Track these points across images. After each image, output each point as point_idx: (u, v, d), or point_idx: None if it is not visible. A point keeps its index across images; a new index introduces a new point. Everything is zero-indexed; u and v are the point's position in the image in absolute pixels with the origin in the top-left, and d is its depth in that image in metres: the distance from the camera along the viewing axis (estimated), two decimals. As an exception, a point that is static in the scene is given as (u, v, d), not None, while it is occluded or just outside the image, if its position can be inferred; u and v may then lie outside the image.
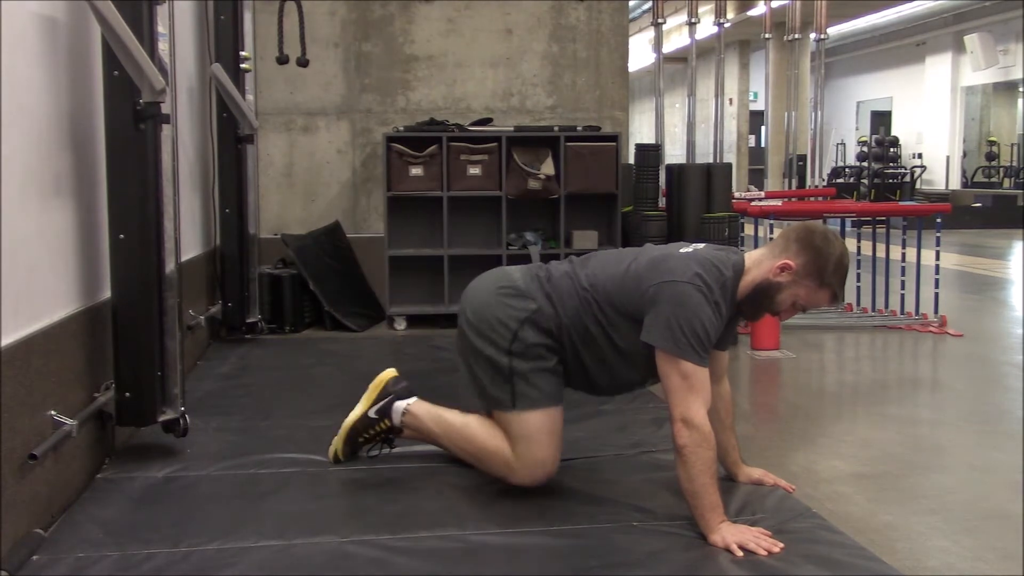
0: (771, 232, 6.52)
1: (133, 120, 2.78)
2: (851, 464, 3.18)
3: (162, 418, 2.93)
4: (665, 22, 7.69)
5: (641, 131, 21.61)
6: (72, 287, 2.73)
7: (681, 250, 2.53)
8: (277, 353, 4.78)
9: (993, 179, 17.76)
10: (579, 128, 5.70)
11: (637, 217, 5.60)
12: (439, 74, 6.06)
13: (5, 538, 2.16)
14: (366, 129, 6.04)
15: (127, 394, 2.87)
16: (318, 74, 5.88)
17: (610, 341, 2.55)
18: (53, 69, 2.62)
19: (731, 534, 2.28)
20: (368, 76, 6.02)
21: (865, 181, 16.56)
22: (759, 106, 17.03)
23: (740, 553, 2.23)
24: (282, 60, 4.96)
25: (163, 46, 2.90)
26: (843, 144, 21.47)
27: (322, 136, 6.02)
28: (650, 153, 5.82)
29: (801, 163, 10.50)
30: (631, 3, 10.61)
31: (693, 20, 7.74)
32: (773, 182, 11.15)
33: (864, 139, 20.06)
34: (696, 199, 5.43)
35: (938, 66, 18.55)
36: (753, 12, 14.45)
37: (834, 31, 14.83)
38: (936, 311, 5.73)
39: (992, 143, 17.97)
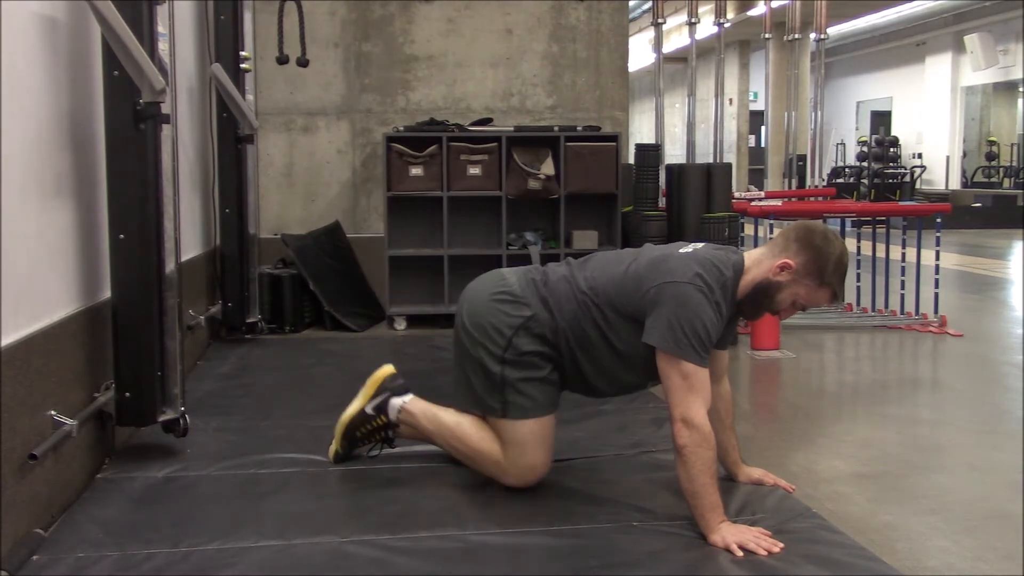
0: (771, 232, 6.52)
1: (133, 120, 2.78)
2: (851, 464, 3.18)
3: (162, 418, 2.93)
4: (665, 22, 7.70)
5: (641, 131, 21.62)
6: (72, 287, 2.73)
7: (681, 250, 2.53)
8: (277, 353, 4.78)
9: (993, 179, 17.76)
10: (579, 128, 5.70)
11: (637, 217, 5.60)
12: (439, 74, 6.06)
13: (5, 538, 2.16)
14: (366, 129, 6.04)
15: (127, 394, 2.87)
16: (318, 74, 5.88)
17: (609, 344, 2.55)
18: (53, 69, 2.62)
19: (731, 534, 2.28)
20: (368, 76, 6.02)
21: (865, 181, 16.57)
22: (759, 106, 17.02)
23: (740, 553, 2.23)
24: (282, 60, 4.96)
25: (163, 46, 2.90)
26: (843, 144, 21.47)
27: (322, 136, 6.02)
28: (650, 153, 5.82)
29: (801, 163, 10.51)
30: (631, 3, 10.61)
31: (693, 20, 7.75)
32: (773, 182, 11.15)
33: (864, 139, 20.06)
34: (696, 199, 5.43)
35: (938, 66, 18.55)
36: (753, 12, 14.45)
37: (834, 31, 14.83)
38: (936, 311, 5.73)
39: (992, 143, 17.97)
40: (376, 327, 5.57)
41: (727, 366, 2.75)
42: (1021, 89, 17.75)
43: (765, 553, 2.23)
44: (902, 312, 5.89)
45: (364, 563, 2.22)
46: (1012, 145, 17.91)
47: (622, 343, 2.53)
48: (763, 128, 15.47)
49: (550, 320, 2.58)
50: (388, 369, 2.89)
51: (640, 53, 17.05)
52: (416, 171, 5.47)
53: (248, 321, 4.95)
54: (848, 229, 6.29)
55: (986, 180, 17.69)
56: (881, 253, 6.14)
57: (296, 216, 6.00)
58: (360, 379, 2.90)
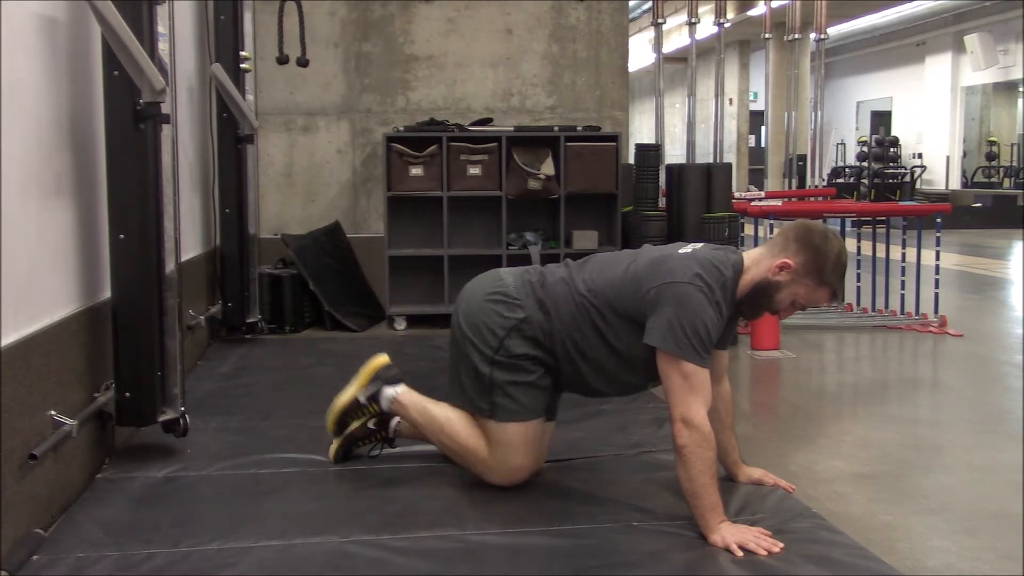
0: (771, 232, 6.52)
1: (133, 120, 2.78)
2: (851, 464, 3.18)
3: (162, 418, 2.93)
4: (665, 22, 7.69)
5: (641, 131, 21.61)
6: (72, 287, 2.73)
7: (680, 251, 2.53)
8: (277, 353, 4.78)
9: (993, 179, 17.76)
10: (579, 128, 5.70)
11: (637, 217, 5.60)
12: (439, 74, 6.06)
13: (5, 538, 2.16)
14: (366, 129, 6.04)
15: (127, 394, 2.87)
16: (318, 74, 5.88)
17: (609, 345, 2.55)
18: (53, 69, 2.62)
19: (731, 534, 2.28)
20: (368, 76, 6.02)
21: (865, 181, 16.56)
22: (759, 106, 17.02)
23: (740, 553, 2.23)
24: (282, 60, 4.96)
25: (163, 46, 2.90)
26: (843, 144, 21.47)
27: (322, 136, 6.02)
28: (650, 153, 5.82)
29: (801, 163, 10.50)
30: (631, 3, 10.61)
31: (693, 20, 7.74)
32: (773, 182, 11.15)
33: (864, 139, 20.06)
34: (696, 199, 5.43)
35: (938, 66, 18.55)
36: (753, 12, 14.45)
37: (834, 31, 14.82)
38: (936, 311, 5.73)
39: (992, 143, 17.96)
40: (376, 327, 5.57)
41: (727, 366, 2.75)
42: (1021, 89, 17.75)
43: (765, 553, 2.23)
44: (902, 312, 5.89)
45: (364, 563, 2.22)
46: (1012, 145, 17.90)
47: (621, 344, 2.53)
48: (763, 128, 15.47)
49: (545, 322, 2.57)
50: (383, 359, 2.90)
51: (640, 53, 17.05)
52: (416, 171, 5.47)
53: (248, 321, 4.95)
54: (848, 229, 6.29)
55: (986, 180, 17.69)
56: (881, 253, 6.14)
57: (296, 216, 6.00)
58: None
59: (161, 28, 2.88)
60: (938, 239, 5.84)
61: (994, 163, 17.91)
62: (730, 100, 17.91)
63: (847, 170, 18.09)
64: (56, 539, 2.34)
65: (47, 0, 2.59)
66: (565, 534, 2.39)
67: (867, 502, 2.81)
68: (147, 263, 2.87)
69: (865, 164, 18.03)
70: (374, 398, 2.84)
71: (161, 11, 2.87)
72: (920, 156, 18.70)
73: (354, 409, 2.86)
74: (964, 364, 4.93)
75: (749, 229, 7.39)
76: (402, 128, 5.66)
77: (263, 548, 2.29)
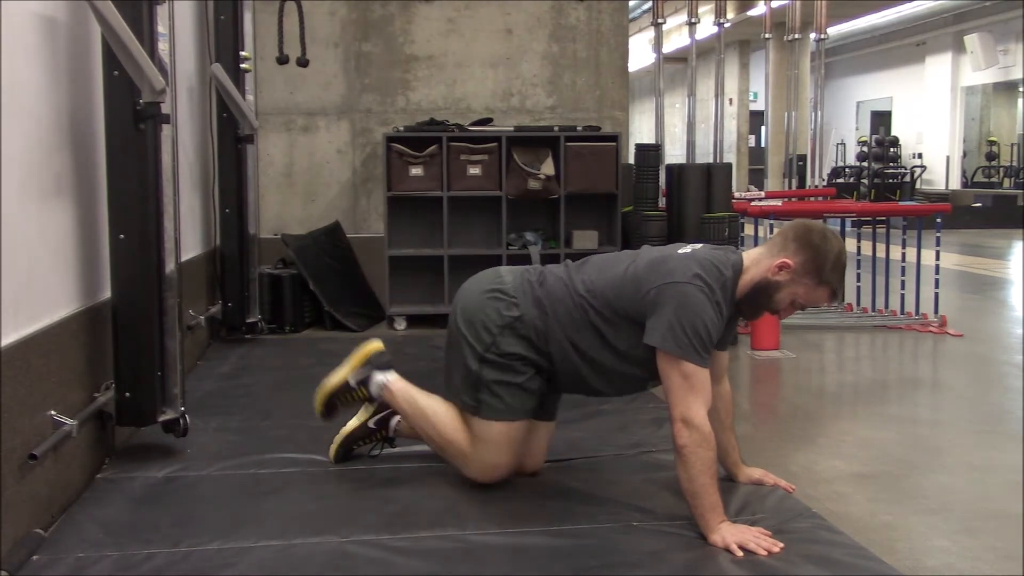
0: (771, 232, 6.52)
1: (133, 120, 2.78)
2: (851, 464, 3.18)
3: (162, 418, 2.93)
4: (665, 22, 7.69)
5: (641, 131, 21.61)
6: (72, 287, 2.73)
7: (679, 251, 2.53)
8: (277, 353, 4.78)
9: (993, 179, 17.76)
10: (579, 128, 5.70)
11: (637, 217, 5.60)
12: (439, 74, 6.06)
13: (5, 538, 2.16)
14: (366, 129, 6.04)
15: (127, 394, 2.87)
16: (318, 74, 5.88)
17: (608, 345, 2.54)
18: (53, 69, 2.62)
19: (731, 534, 2.28)
20: (368, 76, 6.02)
21: (865, 181, 16.56)
22: (759, 106, 17.02)
23: (740, 553, 2.23)
24: (282, 60, 4.96)
25: (163, 46, 2.90)
26: (843, 144, 21.47)
27: (322, 136, 6.03)
28: (650, 153, 5.82)
29: (801, 163, 10.50)
30: (631, 3, 10.61)
31: (693, 20, 7.74)
32: (773, 182, 11.15)
33: (864, 139, 20.05)
34: (696, 199, 5.43)
35: (938, 66, 18.54)
36: (753, 12, 14.45)
37: (834, 31, 14.82)
38: (936, 311, 5.73)
39: (992, 143, 17.96)
40: (376, 327, 5.57)
41: (727, 366, 2.75)
42: (1021, 89, 17.75)
43: (765, 553, 2.23)
44: (902, 312, 5.89)
45: (364, 563, 2.22)
46: (1012, 145, 17.90)
47: (621, 344, 2.53)
48: (763, 128, 15.47)
49: (541, 322, 2.57)
50: (377, 344, 2.92)
51: (640, 53, 17.05)
52: (416, 171, 5.47)
53: (248, 321, 4.95)
54: (848, 229, 6.29)
55: (986, 180, 17.68)
56: (881, 253, 6.14)
57: (296, 216, 6.00)
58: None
59: (161, 28, 2.88)
60: (938, 239, 5.84)
61: (994, 163, 17.91)
62: (730, 100, 17.91)
63: (847, 170, 18.08)
64: (56, 539, 2.34)
65: (47, 0, 2.59)
66: (565, 534, 2.39)
67: (867, 502, 2.81)
68: (147, 263, 2.87)
69: (865, 164, 18.03)
70: (364, 383, 2.85)
71: (161, 11, 2.87)
72: (920, 156, 18.70)
73: (343, 391, 2.86)
74: (964, 364, 4.93)
75: (749, 229, 7.39)
76: (402, 128, 5.66)
77: (263, 548, 2.29)
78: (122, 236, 2.83)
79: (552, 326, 2.57)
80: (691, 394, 2.34)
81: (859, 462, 3.21)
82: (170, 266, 2.94)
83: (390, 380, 2.83)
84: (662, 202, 5.76)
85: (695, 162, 6.37)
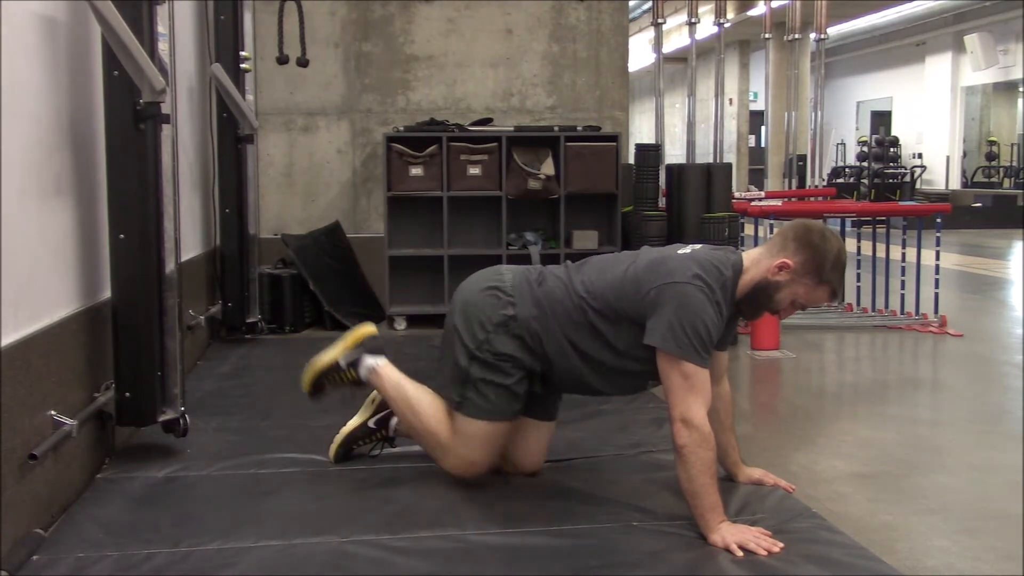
0: (771, 232, 6.52)
1: (133, 120, 2.78)
2: (851, 464, 3.18)
3: (162, 418, 2.93)
4: (665, 22, 7.69)
5: (641, 131, 21.61)
6: (72, 287, 2.73)
7: (679, 251, 2.53)
8: (277, 353, 4.77)
9: (993, 179, 17.76)
10: (579, 128, 5.70)
11: (637, 217, 5.60)
12: (439, 74, 6.06)
13: (5, 538, 2.16)
14: (366, 129, 6.04)
15: (127, 394, 2.87)
16: (318, 74, 5.88)
17: (608, 346, 2.54)
18: (53, 69, 2.62)
19: (731, 534, 2.28)
20: (368, 76, 6.02)
21: (865, 181, 16.56)
22: (759, 106, 17.01)
23: (740, 553, 2.23)
24: (282, 60, 4.96)
25: (163, 46, 2.90)
26: (843, 144, 21.47)
27: (322, 136, 6.03)
28: (650, 153, 5.82)
29: (801, 163, 10.50)
30: (631, 3, 10.61)
31: (693, 20, 7.74)
32: (773, 182, 11.14)
33: (864, 139, 20.05)
34: (696, 199, 5.43)
35: (938, 66, 18.55)
36: (753, 12, 14.45)
37: (834, 31, 14.82)
38: (936, 311, 5.73)
39: (992, 143, 17.96)
40: (376, 327, 5.56)
41: (727, 367, 2.75)
42: (1021, 89, 17.75)
43: (765, 553, 2.23)
44: (902, 312, 5.89)
45: (364, 563, 2.22)
46: (1012, 145, 17.90)
47: (621, 344, 2.53)
48: (763, 128, 15.46)
49: (537, 323, 2.57)
50: (370, 328, 2.93)
51: (640, 53, 17.05)
52: (416, 171, 5.48)
53: (248, 321, 4.95)
54: (848, 229, 6.29)
55: (986, 180, 17.68)
56: (881, 253, 6.14)
57: (296, 216, 6.00)
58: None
59: (161, 28, 2.88)
60: (938, 239, 5.84)
61: (994, 163, 17.91)
62: (730, 100, 17.91)
63: (847, 170, 18.08)
64: (56, 539, 2.34)
65: (47, 0, 2.59)
66: (565, 534, 2.39)
67: (867, 502, 2.81)
68: (147, 263, 2.87)
69: (865, 164, 18.03)
70: (354, 365, 2.85)
71: (161, 11, 2.87)
72: (920, 156, 18.70)
73: (332, 371, 2.86)
74: (964, 364, 4.93)
75: (749, 229, 7.39)
76: (402, 128, 5.66)
77: (263, 548, 2.29)
78: (122, 236, 2.83)
79: (551, 326, 2.57)
80: (691, 394, 2.34)
81: (859, 462, 3.21)
82: (170, 266, 2.94)
83: (379, 364, 2.84)
84: (662, 202, 5.76)
85: (695, 162, 6.36)
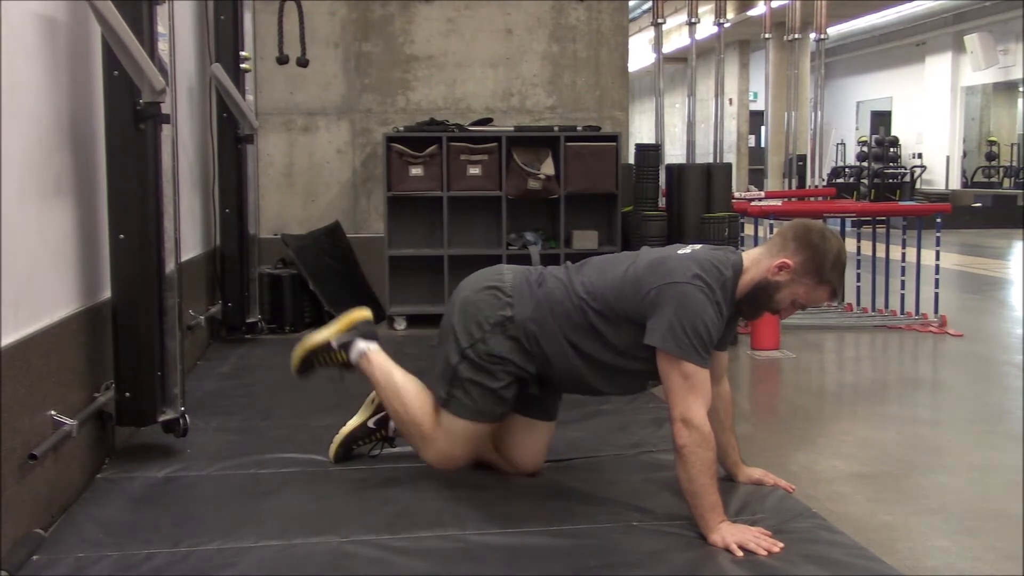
0: (771, 232, 6.52)
1: (133, 120, 2.78)
2: (851, 464, 3.18)
3: (162, 418, 2.93)
4: (665, 22, 7.69)
5: (641, 131, 21.60)
6: (72, 287, 2.73)
7: (679, 251, 2.53)
8: (277, 353, 4.75)
9: (993, 179, 17.75)
10: (579, 128, 5.70)
11: (637, 217, 5.60)
12: (439, 74, 6.06)
13: (5, 538, 2.16)
14: (366, 129, 6.04)
15: (127, 394, 2.87)
16: (318, 74, 5.88)
17: (608, 346, 2.54)
18: (53, 69, 2.62)
19: (731, 534, 2.28)
20: (368, 76, 6.02)
21: (865, 181, 16.56)
22: (759, 106, 17.01)
23: (740, 553, 2.23)
24: (282, 60, 4.96)
25: (163, 46, 2.90)
26: (843, 144, 21.47)
27: (322, 136, 6.03)
28: (650, 153, 5.82)
29: (801, 163, 10.50)
30: (631, 3, 10.61)
31: (693, 20, 7.74)
32: (773, 182, 11.14)
33: (864, 139, 20.05)
34: (696, 199, 5.43)
35: (938, 66, 18.54)
36: (753, 12, 14.45)
37: (834, 31, 14.82)
38: (936, 311, 5.73)
39: (992, 143, 17.95)
40: (376, 327, 5.56)
41: (727, 367, 2.75)
42: (1021, 89, 17.75)
43: (765, 553, 2.23)
44: (902, 312, 5.89)
45: (364, 563, 2.22)
46: (1012, 145, 17.90)
47: (621, 345, 2.52)
48: (763, 128, 15.46)
49: (535, 325, 2.56)
50: (365, 313, 2.94)
51: (640, 53, 17.05)
52: (416, 171, 5.48)
53: (248, 321, 4.95)
54: (848, 229, 6.29)
55: (986, 180, 17.68)
56: (881, 253, 6.14)
57: (296, 216, 6.00)
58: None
59: (161, 28, 2.88)
60: (938, 239, 5.84)
61: (994, 163, 17.91)
62: (730, 100, 17.90)
63: (847, 170, 18.08)
64: (56, 539, 2.34)
65: (47, 0, 2.59)
66: (565, 534, 2.39)
67: (867, 502, 2.81)
68: (147, 263, 2.87)
69: (865, 164, 18.03)
70: (345, 347, 2.85)
71: (161, 11, 2.87)
72: (920, 156, 18.70)
73: (323, 351, 2.86)
74: (964, 364, 4.93)
75: (749, 229, 7.39)
76: (402, 128, 5.66)
77: (263, 548, 2.29)
78: (122, 236, 2.83)
79: (551, 328, 2.56)
80: (691, 394, 2.34)
81: (859, 462, 3.21)
82: (170, 266, 2.94)
83: (371, 349, 2.84)
84: (662, 202, 5.76)
85: (695, 162, 6.36)
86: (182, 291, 3.09)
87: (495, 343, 2.58)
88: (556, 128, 5.67)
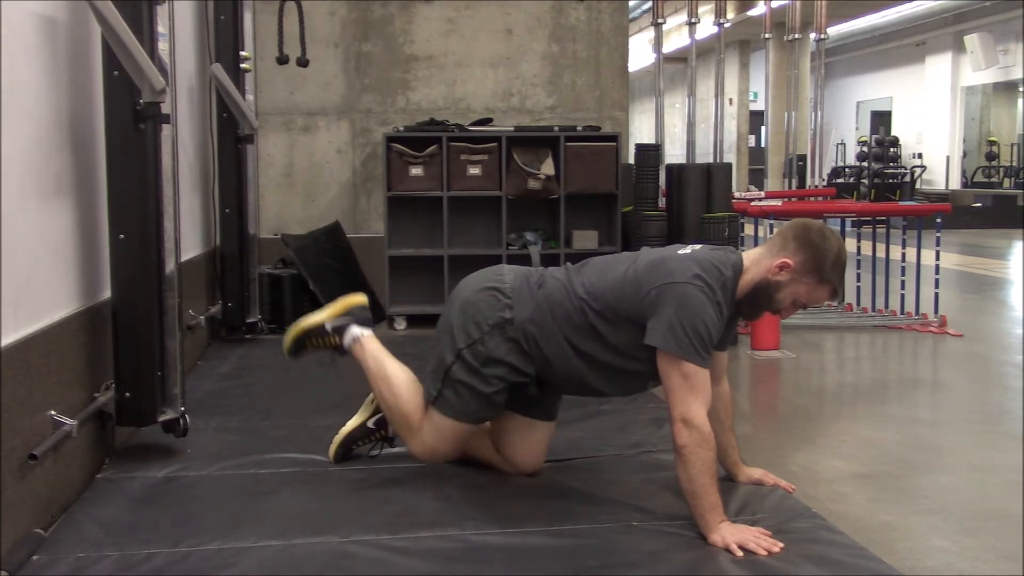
0: (771, 232, 6.52)
1: (133, 120, 2.78)
2: (851, 464, 3.18)
3: (162, 418, 2.93)
4: (665, 22, 7.68)
5: (641, 131, 21.60)
6: (72, 287, 2.73)
7: (679, 251, 2.53)
8: (277, 353, 4.71)
9: (993, 179, 17.75)
10: (579, 128, 5.70)
11: (637, 217, 5.60)
12: (439, 74, 6.06)
13: (5, 538, 2.16)
14: (366, 129, 6.04)
15: (127, 394, 2.87)
16: (318, 74, 5.88)
17: (608, 346, 2.54)
18: (53, 69, 2.62)
19: (731, 534, 2.28)
20: (368, 76, 6.02)
21: (865, 181, 16.56)
22: (759, 106, 17.01)
23: (740, 553, 2.23)
24: (282, 60, 4.96)
25: (163, 46, 2.90)
26: (843, 144, 21.47)
27: (322, 136, 6.03)
28: (650, 153, 5.82)
29: (801, 163, 10.49)
30: (631, 3, 10.61)
31: (693, 20, 7.73)
32: (773, 182, 11.13)
33: (864, 139, 20.05)
34: (696, 199, 5.43)
35: (938, 66, 18.54)
36: (753, 12, 14.45)
37: (834, 31, 14.82)
38: (936, 311, 5.73)
39: (992, 143, 17.95)
40: (376, 327, 5.56)
41: (727, 367, 2.75)
42: (1021, 89, 17.75)
43: (765, 553, 2.23)
44: (902, 312, 5.89)
45: (364, 563, 2.22)
46: (1012, 145, 17.90)
47: (621, 345, 2.52)
48: (763, 128, 15.46)
49: (535, 327, 2.56)
50: (361, 298, 2.95)
51: (640, 53, 17.05)
52: (416, 171, 5.48)
53: (248, 321, 4.95)
54: (848, 229, 6.29)
55: (986, 180, 17.68)
56: (881, 253, 6.15)
57: (296, 216, 6.00)
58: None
59: (161, 28, 2.88)
60: (938, 239, 5.84)
61: (994, 163, 17.91)
62: (730, 100, 17.90)
63: (847, 170, 18.08)
64: (56, 539, 2.34)
65: (47, 0, 2.59)
66: (565, 534, 2.39)
67: (867, 502, 2.81)
68: (147, 263, 2.87)
69: (865, 164, 18.03)
70: (339, 331, 2.86)
71: (161, 11, 2.87)
72: (920, 156, 18.70)
73: (317, 334, 2.88)
74: (964, 364, 4.93)
75: (749, 229, 7.39)
76: (402, 128, 5.66)
77: (263, 548, 2.29)
78: (122, 236, 2.83)
79: (550, 329, 2.56)
80: (691, 394, 2.34)
81: (859, 462, 3.21)
82: (170, 266, 2.94)
83: (365, 336, 2.85)
84: (662, 202, 5.76)
85: (695, 162, 6.36)
86: (182, 291, 3.09)
87: (494, 344, 2.58)
88: (556, 128, 5.67)
